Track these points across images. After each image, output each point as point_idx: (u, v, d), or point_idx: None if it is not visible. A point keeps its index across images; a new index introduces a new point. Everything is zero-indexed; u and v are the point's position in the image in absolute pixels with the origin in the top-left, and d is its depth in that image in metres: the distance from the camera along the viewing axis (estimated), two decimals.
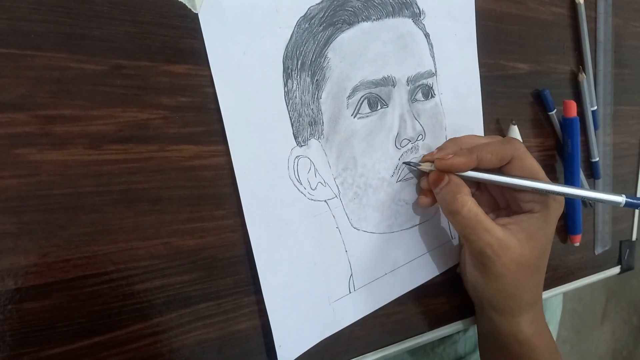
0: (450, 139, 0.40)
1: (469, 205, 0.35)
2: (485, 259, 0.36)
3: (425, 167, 0.37)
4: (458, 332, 0.57)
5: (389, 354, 0.40)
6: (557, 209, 0.37)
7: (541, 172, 0.37)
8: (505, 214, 0.39)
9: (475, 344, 0.60)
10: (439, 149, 0.39)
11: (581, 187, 0.37)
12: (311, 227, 0.34)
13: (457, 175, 0.36)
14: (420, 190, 0.39)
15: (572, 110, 0.48)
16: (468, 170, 0.36)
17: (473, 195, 0.39)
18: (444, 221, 0.42)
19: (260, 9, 0.30)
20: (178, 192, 0.29)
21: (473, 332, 0.60)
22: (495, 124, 0.46)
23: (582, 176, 0.53)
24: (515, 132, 0.46)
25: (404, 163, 0.38)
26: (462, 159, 0.35)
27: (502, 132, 0.46)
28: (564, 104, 0.48)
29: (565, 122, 0.49)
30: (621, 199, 0.35)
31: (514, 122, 0.46)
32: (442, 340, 0.59)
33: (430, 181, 0.37)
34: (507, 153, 0.36)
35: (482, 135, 0.44)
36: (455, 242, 0.43)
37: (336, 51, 0.34)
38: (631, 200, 0.35)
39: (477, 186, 0.41)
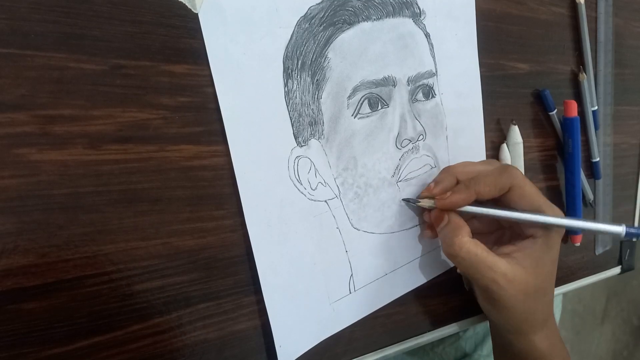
0: (445, 169, 0.40)
1: (467, 247, 0.35)
2: (492, 293, 0.36)
3: (425, 203, 0.38)
4: (458, 332, 0.57)
5: (389, 354, 0.40)
6: (559, 232, 0.37)
7: (541, 199, 0.37)
8: (509, 235, 0.40)
9: (475, 344, 0.60)
10: (435, 182, 0.38)
11: (580, 218, 0.37)
12: (311, 227, 0.34)
13: (458, 210, 0.37)
14: (423, 224, 0.40)
15: (573, 110, 0.48)
16: (467, 205, 0.36)
17: (475, 218, 0.40)
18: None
19: (260, 9, 0.30)
20: (178, 192, 0.29)
21: (473, 332, 0.60)
22: (495, 124, 0.46)
23: (582, 176, 0.53)
24: (515, 132, 0.46)
25: (402, 200, 0.38)
26: (460, 196, 0.36)
27: (503, 132, 0.46)
28: (564, 104, 0.48)
29: (566, 122, 0.49)
30: (621, 229, 0.35)
31: (514, 122, 0.46)
32: (442, 340, 0.59)
33: (433, 219, 0.38)
34: (505, 184, 0.36)
35: (483, 136, 0.44)
36: None
37: (336, 51, 0.34)
38: (631, 231, 0.35)
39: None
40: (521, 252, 0.37)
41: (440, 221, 0.37)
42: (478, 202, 0.37)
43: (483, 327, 0.61)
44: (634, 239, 0.37)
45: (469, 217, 0.39)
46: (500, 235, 0.41)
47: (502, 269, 0.35)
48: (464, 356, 0.60)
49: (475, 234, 0.36)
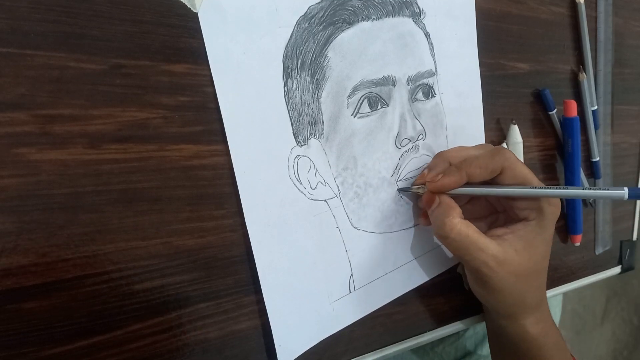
0: (438, 154, 0.39)
1: (458, 227, 0.34)
2: (482, 275, 0.35)
3: (418, 190, 0.37)
4: (458, 332, 0.57)
5: (389, 354, 0.40)
6: (553, 212, 0.36)
7: (534, 179, 0.36)
8: (503, 219, 0.39)
9: (475, 344, 0.60)
10: (429, 168, 0.38)
11: (580, 186, 0.36)
12: (311, 227, 0.34)
13: (450, 192, 0.36)
14: (418, 211, 0.39)
15: (573, 109, 0.48)
16: (459, 186, 0.36)
17: (468, 203, 0.39)
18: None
19: (260, 8, 0.30)
20: (178, 192, 0.29)
21: (473, 332, 0.60)
22: (495, 123, 0.46)
23: (582, 176, 0.53)
24: (515, 131, 0.46)
25: (397, 190, 0.38)
26: (451, 178, 0.35)
27: (503, 132, 0.46)
28: (564, 104, 0.48)
29: (566, 122, 0.49)
30: (623, 192, 0.33)
31: (513, 121, 0.46)
32: (442, 339, 0.59)
33: (424, 202, 0.37)
34: (496, 165, 0.35)
35: (483, 135, 0.44)
36: None
37: (336, 50, 0.34)
38: (635, 192, 0.33)
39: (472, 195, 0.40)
40: (513, 234, 0.36)
41: (432, 203, 0.36)
42: (470, 184, 0.36)
43: (483, 326, 0.61)
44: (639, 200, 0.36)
45: (463, 202, 0.38)
46: (494, 219, 0.40)
47: (492, 251, 0.34)
48: (464, 356, 0.60)
49: (469, 219, 0.35)
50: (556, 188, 0.35)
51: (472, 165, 0.35)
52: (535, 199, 0.36)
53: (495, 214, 0.40)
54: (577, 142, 0.49)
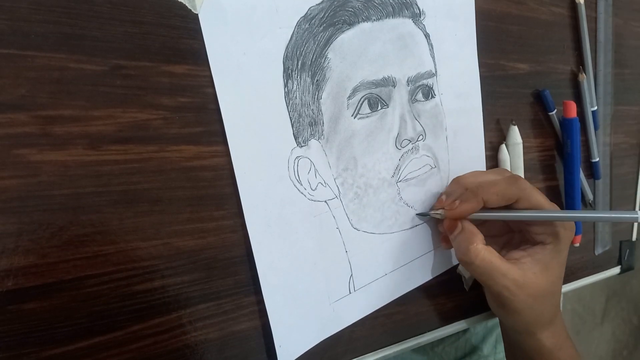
0: (454, 180, 0.41)
1: (482, 254, 0.36)
2: (503, 299, 0.37)
3: (437, 214, 0.39)
4: (458, 332, 0.57)
5: (389, 354, 0.40)
6: (568, 237, 0.38)
7: (549, 204, 0.37)
8: (518, 239, 0.40)
9: (476, 344, 0.60)
10: (446, 194, 0.39)
11: (594, 210, 0.38)
12: (311, 228, 0.34)
13: (469, 217, 0.37)
14: (439, 236, 0.41)
15: (572, 110, 0.48)
16: (476, 212, 0.37)
17: (484, 222, 0.40)
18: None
19: (261, 9, 0.30)
20: (178, 193, 0.29)
21: (473, 332, 0.60)
22: (495, 124, 0.46)
23: (582, 176, 0.53)
24: (515, 132, 0.46)
25: (416, 214, 0.39)
26: (468, 205, 0.37)
27: (502, 133, 0.46)
28: (563, 105, 0.48)
29: (565, 123, 0.49)
30: (637, 215, 0.34)
31: (513, 122, 0.46)
32: (442, 339, 0.59)
33: (445, 228, 0.38)
34: (513, 194, 0.37)
35: (482, 136, 0.44)
36: None
37: (336, 51, 0.34)
38: None
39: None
40: (531, 257, 0.38)
41: (454, 229, 0.37)
42: (486, 209, 0.37)
43: (483, 326, 0.61)
44: None
45: (480, 222, 0.39)
46: (510, 238, 0.41)
47: (513, 276, 0.36)
48: (464, 356, 0.60)
49: (485, 237, 0.37)
50: (570, 212, 0.36)
51: (489, 192, 0.37)
52: (551, 223, 0.37)
53: (510, 233, 0.42)
54: (577, 143, 0.49)
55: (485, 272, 0.36)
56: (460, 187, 0.39)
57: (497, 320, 0.60)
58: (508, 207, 0.38)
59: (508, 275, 0.36)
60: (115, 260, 0.27)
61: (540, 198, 0.37)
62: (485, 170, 0.44)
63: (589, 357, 1.74)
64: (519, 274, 0.36)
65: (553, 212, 0.36)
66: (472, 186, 0.38)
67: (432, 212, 0.39)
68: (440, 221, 0.39)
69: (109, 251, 0.27)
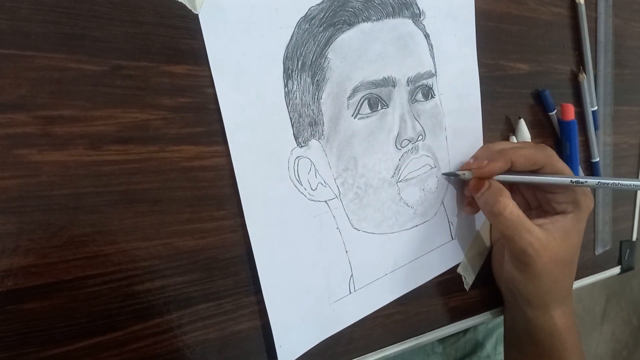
0: (483, 146, 0.42)
1: (511, 207, 0.36)
2: (527, 258, 0.37)
3: (464, 175, 0.39)
4: (458, 333, 0.57)
5: (389, 354, 0.40)
6: (589, 206, 0.39)
7: (572, 173, 0.38)
8: (536, 215, 0.41)
9: (476, 344, 0.60)
10: (474, 157, 0.41)
11: (616, 177, 0.38)
12: (311, 228, 0.34)
13: (495, 178, 0.38)
14: (463, 199, 0.42)
15: (570, 113, 0.48)
16: (503, 171, 0.38)
17: None
18: (444, 222, 0.42)
19: (261, 10, 0.30)
20: (178, 193, 0.29)
21: (473, 332, 0.60)
22: (495, 124, 0.46)
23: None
24: (522, 126, 0.46)
25: (442, 174, 0.40)
26: (497, 163, 0.37)
27: (502, 132, 0.46)
28: (561, 107, 0.48)
29: (563, 125, 0.49)
30: None
31: (520, 117, 0.46)
32: (442, 340, 0.59)
33: (471, 187, 0.39)
34: (539, 158, 0.38)
35: (482, 136, 0.44)
36: (455, 243, 0.43)
37: (336, 52, 0.34)
38: None
39: (510, 188, 0.42)
40: (553, 224, 0.39)
41: (481, 187, 0.38)
42: (513, 173, 0.38)
43: (483, 327, 0.61)
44: None
45: None
46: (528, 215, 0.41)
47: (538, 234, 0.37)
48: (464, 356, 0.60)
49: None
50: (597, 178, 0.36)
51: (517, 153, 0.37)
52: (572, 193, 0.38)
53: (529, 210, 0.43)
54: (575, 144, 0.49)
55: (511, 226, 0.36)
56: (488, 152, 0.40)
57: (497, 321, 0.60)
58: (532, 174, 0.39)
59: (533, 232, 0.37)
60: (116, 260, 0.27)
61: (565, 167, 0.38)
62: None
63: (589, 357, 1.74)
64: (542, 234, 0.37)
65: (580, 178, 0.37)
66: (501, 149, 0.39)
67: (460, 172, 0.40)
68: (466, 186, 0.40)
69: (109, 251, 0.27)
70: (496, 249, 0.45)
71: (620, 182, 0.36)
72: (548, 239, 0.37)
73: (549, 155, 0.38)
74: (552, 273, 0.38)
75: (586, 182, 0.36)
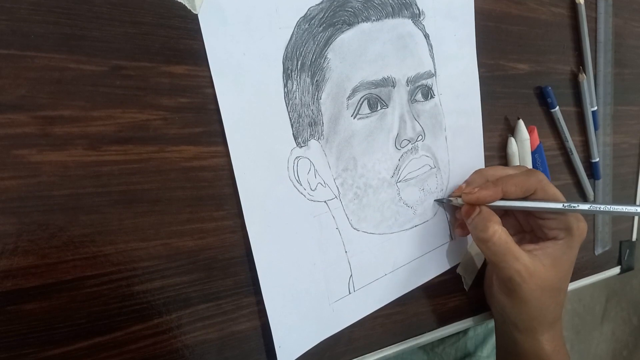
0: (476, 171, 0.42)
1: (499, 233, 0.36)
2: (513, 284, 0.37)
3: (456, 201, 0.39)
4: (458, 333, 0.57)
5: (389, 354, 0.40)
6: (581, 235, 0.39)
7: (564, 200, 0.38)
8: (529, 239, 0.41)
9: (476, 344, 0.60)
10: (467, 182, 0.41)
11: (610, 203, 0.38)
12: (311, 228, 0.34)
13: (487, 205, 0.38)
14: (455, 222, 0.42)
15: (536, 138, 0.48)
16: (494, 201, 0.38)
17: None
18: (444, 222, 0.42)
19: (260, 10, 0.30)
20: (178, 193, 0.29)
21: (473, 333, 0.60)
22: (494, 124, 0.46)
23: (583, 176, 0.53)
24: (521, 127, 0.46)
25: (435, 201, 0.40)
26: (488, 192, 0.37)
27: (502, 132, 0.46)
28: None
29: (534, 156, 0.48)
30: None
31: (519, 118, 0.46)
32: (442, 340, 0.59)
33: (463, 213, 0.39)
34: (531, 185, 0.38)
35: (481, 136, 0.44)
36: (454, 243, 0.43)
37: (336, 52, 0.34)
38: None
39: (504, 212, 0.42)
40: (542, 250, 0.38)
41: (472, 213, 0.38)
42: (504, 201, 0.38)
43: (483, 327, 0.61)
44: None
45: None
46: (521, 238, 0.42)
47: (525, 261, 0.37)
48: (464, 357, 0.60)
49: None
50: (589, 204, 0.36)
51: (509, 182, 0.37)
52: (565, 219, 0.38)
53: (522, 233, 0.42)
54: (545, 168, 0.49)
55: (499, 252, 0.36)
56: (481, 178, 0.40)
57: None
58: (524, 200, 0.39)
59: (520, 259, 0.36)
60: (115, 261, 0.27)
61: (557, 192, 0.38)
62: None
63: (589, 357, 1.74)
64: (529, 261, 0.37)
65: (572, 203, 0.37)
66: (493, 178, 0.39)
67: (452, 197, 0.40)
68: (458, 209, 0.40)
69: (109, 251, 0.27)
70: (488, 269, 0.45)
71: (613, 208, 0.36)
72: (536, 266, 0.37)
73: (539, 180, 0.38)
74: (539, 300, 0.38)
75: (577, 207, 0.36)
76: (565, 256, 0.39)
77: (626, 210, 0.35)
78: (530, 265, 0.37)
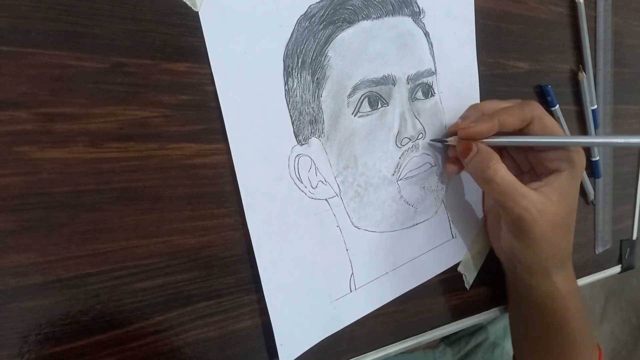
0: (472, 106, 0.40)
1: (502, 172, 0.35)
2: (523, 224, 0.36)
3: (452, 141, 0.38)
4: (458, 331, 0.57)
5: (390, 352, 0.40)
6: (582, 162, 0.38)
7: (561, 131, 0.37)
8: (529, 178, 0.40)
9: (476, 345, 0.60)
10: (462, 117, 0.39)
11: (603, 135, 0.36)
12: (312, 226, 0.34)
13: (484, 141, 0.37)
14: (446, 160, 0.40)
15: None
16: (491, 134, 0.36)
17: None
18: (445, 220, 0.42)
19: (261, 7, 0.30)
20: (179, 191, 0.29)
21: (473, 334, 0.60)
22: None
23: (583, 175, 0.53)
24: None
25: (430, 140, 0.39)
26: (485, 124, 0.36)
27: None
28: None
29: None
30: None
31: None
32: (443, 338, 0.59)
33: (459, 151, 0.37)
34: (527, 114, 0.36)
35: None
36: (455, 241, 0.43)
37: (336, 50, 0.34)
38: None
39: (500, 152, 0.40)
40: (547, 186, 0.37)
41: (469, 151, 0.37)
42: (501, 134, 0.37)
43: (484, 330, 0.61)
44: None
45: None
46: (521, 180, 0.39)
47: (533, 199, 0.35)
48: (464, 356, 0.60)
49: None
50: (588, 137, 0.35)
51: (505, 113, 0.36)
52: (565, 149, 0.37)
53: (521, 174, 0.41)
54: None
55: (505, 191, 0.35)
56: (476, 112, 0.39)
57: (496, 326, 0.60)
58: (521, 132, 0.37)
59: (528, 197, 0.35)
60: (116, 258, 0.27)
61: (552, 122, 0.37)
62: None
63: None
64: (538, 198, 0.35)
65: (569, 137, 0.36)
66: (489, 111, 0.38)
67: (447, 138, 0.39)
68: (451, 148, 0.39)
69: (110, 249, 0.27)
70: (490, 219, 0.44)
71: (614, 139, 0.35)
72: (544, 202, 0.36)
73: (535, 108, 0.37)
74: (551, 237, 0.37)
75: (577, 140, 0.35)
76: (571, 188, 0.37)
77: (625, 142, 0.34)
78: (539, 201, 0.35)
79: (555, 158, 0.37)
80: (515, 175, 0.40)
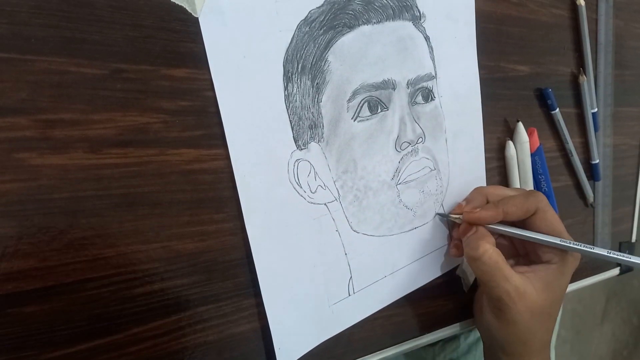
0: (476, 189, 0.42)
1: (490, 252, 0.36)
2: (502, 304, 0.37)
3: (456, 218, 0.40)
4: (457, 335, 0.57)
5: (388, 356, 0.40)
6: (574, 262, 0.38)
7: (561, 226, 0.38)
8: (524, 262, 0.41)
9: (475, 347, 0.60)
10: (467, 200, 0.41)
11: (602, 249, 0.37)
12: (311, 230, 0.34)
13: (485, 227, 0.38)
14: (451, 241, 0.42)
15: (536, 140, 0.47)
16: (494, 222, 0.38)
17: (496, 242, 0.40)
18: (443, 224, 0.42)
19: (261, 13, 0.30)
20: (178, 196, 0.29)
21: (473, 335, 0.60)
22: (495, 126, 0.46)
23: (583, 177, 0.53)
24: (520, 129, 0.46)
25: (436, 214, 0.40)
26: (489, 212, 0.37)
27: (503, 134, 0.46)
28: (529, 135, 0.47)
29: (533, 158, 0.48)
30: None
31: (518, 120, 0.46)
32: (441, 341, 0.59)
33: (460, 231, 0.39)
34: (531, 206, 0.38)
35: (482, 138, 0.44)
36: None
37: (336, 54, 0.34)
38: None
39: (500, 234, 0.41)
40: (534, 273, 0.38)
41: (468, 232, 0.38)
42: (504, 224, 0.38)
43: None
44: None
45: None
46: (515, 262, 0.42)
47: (515, 282, 0.36)
48: (462, 357, 0.60)
49: None
50: (583, 246, 0.36)
51: (509, 203, 0.38)
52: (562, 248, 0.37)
53: (516, 257, 0.42)
54: (547, 175, 0.49)
55: (489, 271, 0.36)
56: (481, 196, 0.40)
57: None
58: (524, 223, 0.39)
59: (510, 280, 0.36)
60: (115, 263, 0.28)
61: (555, 217, 0.38)
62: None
63: (589, 357, 1.75)
64: (520, 282, 0.36)
65: (565, 242, 0.37)
66: (493, 197, 0.39)
67: (453, 215, 0.40)
68: (456, 227, 0.40)
69: (109, 254, 0.27)
70: (478, 293, 0.44)
71: (613, 254, 0.35)
72: (526, 288, 0.36)
73: (540, 200, 0.38)
74: (527, 323, 0.37)
75: (572, 246, 0.36)
76: (557, 282, 0.38)
77: (623, 259, 0.35)
78: (521, 286, 0.36)
79: (547, 251, 0.38)
80: (511, 257, 0.42)
